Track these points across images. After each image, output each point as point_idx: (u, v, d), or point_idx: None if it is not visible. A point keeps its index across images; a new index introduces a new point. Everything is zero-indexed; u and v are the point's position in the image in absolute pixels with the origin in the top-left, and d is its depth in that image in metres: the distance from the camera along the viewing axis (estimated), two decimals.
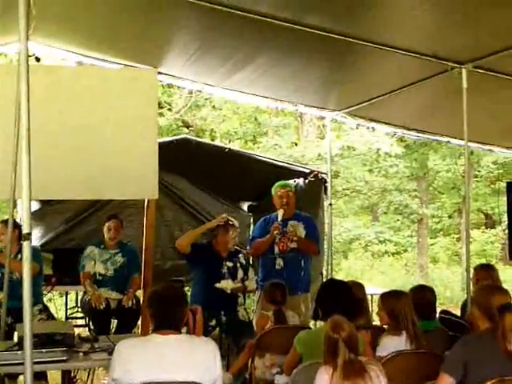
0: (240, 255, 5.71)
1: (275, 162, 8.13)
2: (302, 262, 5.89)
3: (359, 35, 4.74)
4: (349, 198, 18.00)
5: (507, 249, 9.34)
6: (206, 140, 11.96)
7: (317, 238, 6.10)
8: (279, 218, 5.81)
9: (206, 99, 13.00)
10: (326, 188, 7.99)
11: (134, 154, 5.29)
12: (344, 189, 16.88)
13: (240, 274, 5.60)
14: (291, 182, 7.27)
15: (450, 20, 4.36)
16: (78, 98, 5.15)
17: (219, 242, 5.56)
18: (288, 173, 7.77)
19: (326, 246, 7.83)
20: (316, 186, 8.02)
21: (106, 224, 6.04)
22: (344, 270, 16.07)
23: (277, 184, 6.07)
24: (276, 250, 5.85)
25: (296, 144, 14.99)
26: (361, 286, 4.63)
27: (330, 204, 7.88)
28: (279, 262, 5.83)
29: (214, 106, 14.11)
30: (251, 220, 8.43)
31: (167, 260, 7.63)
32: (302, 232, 5.89)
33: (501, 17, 4.16)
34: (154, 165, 5.34)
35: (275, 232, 5.75)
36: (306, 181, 8.01)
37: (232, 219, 5.67)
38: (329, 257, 7.64)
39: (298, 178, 7.99)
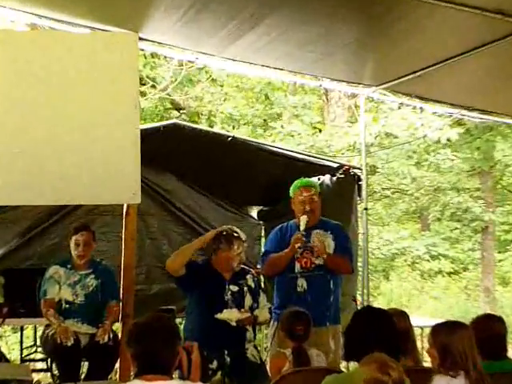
0: (248, 276, 5.70)
1: (293, 154, 8.13)
2: (331, 284, 5.87)
3: None
4: (390, 201, 17.97)
5: None
6: (203, 126, 11.97)
7: (349, 252, 6.08)
8: (302, 227, 5.78)
9: (201, 69, 12.97)
10: (359, 188, 7.99)
11: (109, 145, 5.30)
12: (384, 188, 16.84)
13: (248, 300, 5.59)
14: (315, 179, 7.26)
15: None
16: (33, 73, 5.17)
17: (220, 259, 5.56)
18: (310, 168, 7.77)
19: (360, 264, 7.82)
20: (347, 185, 8.02)
21: (74, 237, 6.05)
22: (384, 295, 16.07)
23: (297, 183, 6.05)
24: (297, 267, 5.83)
25: (320, 130, 14.97)
26: (405, 316, 4.62)
27: (366, 209, 7.87)
28: (301, 284, 5.81)
29: (212, 81, 14.12)
30: (262, 230, 8.43)
31: (153, 283, 7.65)
32: (330, 244, 5.87)
33: None
34: (135, 159, 5.35)
35: (297, 245, 5.73)
36: (334, 178, 8.01)
37: (237, 229, 5.66)
38: (364, 277, 7.62)
39: (324, 174, 7.99)
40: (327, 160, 8.52)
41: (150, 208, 7.61)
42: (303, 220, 5.78)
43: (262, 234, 8.40)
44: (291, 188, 6.03)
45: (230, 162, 7.53)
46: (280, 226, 6.12)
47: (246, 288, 5.62)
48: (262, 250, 6.67)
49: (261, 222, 8.47)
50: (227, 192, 8.00)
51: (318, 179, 7.75)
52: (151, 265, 7.62)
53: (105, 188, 5.35)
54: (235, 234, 5.57)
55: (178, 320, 6.46)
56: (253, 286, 5.67)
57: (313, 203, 5.88)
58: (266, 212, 8.42)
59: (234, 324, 5.41)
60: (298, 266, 5.82)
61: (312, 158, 8.28)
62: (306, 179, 6.14)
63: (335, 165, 8.17)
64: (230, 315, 5.42)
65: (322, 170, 8.00)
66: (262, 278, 6.82)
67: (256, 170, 7.72)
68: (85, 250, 6.02)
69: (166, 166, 7.54)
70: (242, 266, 5.76)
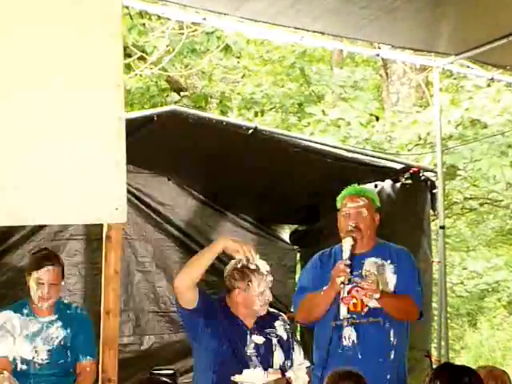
0: (277, 323, 5.68)
1: (340, 152, 8.15)
2: (392, 335, 5.87)
3: None
4: (477, 216, 17.92)
5: None
6: (212, 114, 12.02)
7: (417, 289, 6.08)
8: (345, 254, 5.78)
9: (210, 33, 13.00)
10: (433, 198, 7.99)
11: (81, 142, 5.32)
12: (467, 198, 16.80)
13: (278, 356, 5.58)
14: (370, 186, 7.27)
15: None
16: None
17: (237, 301, 5.52)
18: (363, 171, 7.79)
19: (435, 305, 7.79)
20: (415, 195, 8.04)
21: (36, 273, 6.00)
22: (470, 349, 16.00)
23: (344, 192, 6.06)
24: (343, 311, 5.84)
25: (377, 118, 14.97)
26: (505, 377, 4.60)
27: (443, 227, 7.86)
28: (348, 334, 5.82)
29: (225, 51, 14.16)
30: (297, 257, 8.44)
31: (145, 334, 7.66)
32: (389, 278, 5.88)
33: None
34: (118, 160, 5.36)
35: (339, 280, 5.73)
36: (398, 185, 8.02)
37: (254, 256, 5.54)
38: (441, 324, 7.61)
39: (383, 179, 8.00)
40: (388, 160, 8.53)
41: (141, 229, 7.64)
42: (346, 243, 5.76)
43: (297, 262, 8.42)
44: (338, 199, 6.02)
45: (252, 164, 7.55)
46: (321, 252, 6.14)
47: (275, 339, 5.59)
48: (297, 285, 6.65)
49: (295, 247, 8.49)
50: (248, 205, 8.03)
51: (375, 186, 7.77)
52: (141, 308, 7.63)
53: (76, 202, 5.35)
54: (252, 267, 5.50)
55: None
56: (284, 336, 5.65)
57: (359, 218, 5.86)
58: (303, 233, 8.45)
59: None
60: (344, 309, 5.82)
61: (366, 157, 8.29)
62: (357, 186, 6.13)
63: (399, 166, 8.18)
64: (254, 377, 5.41)
65: (380, 173, 8.02)
66: (297, 325, 6.83)
67: (288, 174, 7.73)
68: (51, 290, 5.98)
69: (161, 169, 7.57)
70: (270, 308, 5.74)
